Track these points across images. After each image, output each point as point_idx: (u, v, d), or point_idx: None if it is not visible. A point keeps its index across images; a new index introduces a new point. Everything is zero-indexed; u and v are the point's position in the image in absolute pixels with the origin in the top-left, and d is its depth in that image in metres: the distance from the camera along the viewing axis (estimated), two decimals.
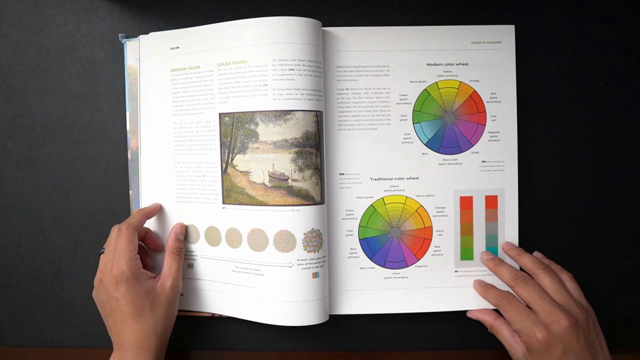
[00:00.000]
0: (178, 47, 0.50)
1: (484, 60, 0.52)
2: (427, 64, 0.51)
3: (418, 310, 0.52)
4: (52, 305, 0.54)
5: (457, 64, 0.52)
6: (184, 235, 0.51)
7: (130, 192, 0.53)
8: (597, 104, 0.53)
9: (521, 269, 0.50)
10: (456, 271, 0.52)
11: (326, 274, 0.50)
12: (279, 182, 0.47)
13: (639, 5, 0.53)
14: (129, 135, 0.52)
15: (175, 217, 0.51)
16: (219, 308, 0.51)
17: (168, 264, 0.48)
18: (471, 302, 0.52)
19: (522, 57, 0.52)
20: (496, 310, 0.49)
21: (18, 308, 0.54)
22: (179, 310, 0.49)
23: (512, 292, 0.47)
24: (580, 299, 0.46)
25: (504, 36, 0.52)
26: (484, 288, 0.50)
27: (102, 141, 0.53)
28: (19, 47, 0.53)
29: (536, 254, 0.51)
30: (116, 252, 0.46)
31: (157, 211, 0.51)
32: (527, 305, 0.45)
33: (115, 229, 0.48)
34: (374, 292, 0.51)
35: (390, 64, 0.51)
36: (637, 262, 0.54)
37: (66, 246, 0.54)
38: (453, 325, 0.53)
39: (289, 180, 0.47)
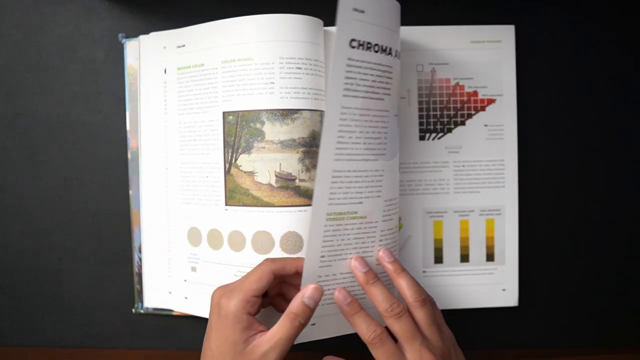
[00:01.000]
0: (184, 45, 0.50)
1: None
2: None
3: None
4: (52, 305, 0.54)
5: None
6: (317, 302, 0.40)
7: (130, 192, 0.53)
8: (597, 104, 0.54)
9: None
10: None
11: None
12: (286, 183, 0.47)
13: (638, 5, 0.53)
14: (129, 135, 0.52)
15: (177, 219, 0.51)
16: None
17: (276, 327, 0.40)
18: (472, 301, 0.52)
19: (522, 57, 0.52)
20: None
21: (18, 308, 0.54)
22: (179, 311, 0.49)
23: (382, 324, 0.42)
24: (443, 326, 0.45)
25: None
26: (351, 310, 0.42)
27: (102, 141, 0.53)
28: (19, 47, 0.53)
29: (384, 254, 0.44)
30: (239, 284, 0.41)
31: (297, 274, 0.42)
32: (396, 338, 0.42)
33: (263, 261, 0.42)
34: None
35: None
36: (637, 263, 0.54)
37: (66, 246, 0.54)
38: (453, 325, 0.53)
39: (297, 181, 0.47)
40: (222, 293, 0.41)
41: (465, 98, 0.52)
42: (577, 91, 0.53)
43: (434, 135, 0.52)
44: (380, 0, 0.40)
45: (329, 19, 0.49)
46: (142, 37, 0.52)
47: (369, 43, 0.40)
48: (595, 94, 0.54)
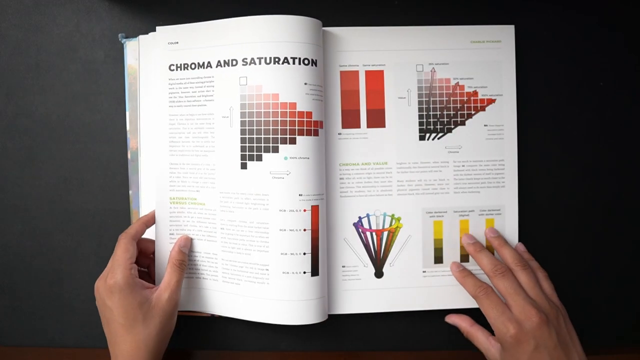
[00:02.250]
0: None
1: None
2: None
3: (416, 309, 0.52)
4: (52, 305, 0.54)
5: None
6: (189, 248, 0.50)
7: (130, 192, 0.53)
8: (597, 104, 0.53)
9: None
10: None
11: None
12: None
13: (638, 5, 0.53)
14: (128, 135, 0.52)
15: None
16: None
17: (168, 275, 0.47)
18: (471, 301, 0.52)
19: (522, 57, 0.52)
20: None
21: (18, 308, 0.54)
22: (179, 310, 0.49)
23: (490, 284, 0.48)
24: (553, 297, 0.47)
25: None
26: (461, 274, 0.50)
27: (102, 141, 0.53)
28: (19, 47, 0.53)
29: (519, 246, 0.51)
30: (113, 262, 0.46)
31: (153, 222, 0.50)
32: (503, 298, 0.46)
33: (120, 235, 0.47)
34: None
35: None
36: (638, 262, 0.54)
37: (66, 246, 0.54)
38: (453, 325, 0.53)
39: None
40: (104, 279, 0.45)
41: (465, 98, 0.52)
42: (577, 91, 0.53)
43: (433, 135, 0.52)
44: (194, 28, 0.49)
45: (328, 20, 0.50)
46: (142, 37, 0.52)
47: (185, 64, 0.49)
48: (595, 93, 0.54)
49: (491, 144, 0.52)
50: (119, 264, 0.45)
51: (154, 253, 0.51)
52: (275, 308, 0.48)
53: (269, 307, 0.48)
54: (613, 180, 0.54)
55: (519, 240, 0.52)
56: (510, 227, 0.52)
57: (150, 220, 0.50)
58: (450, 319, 0.51)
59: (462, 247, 0.52)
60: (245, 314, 0.49)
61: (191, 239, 0.50)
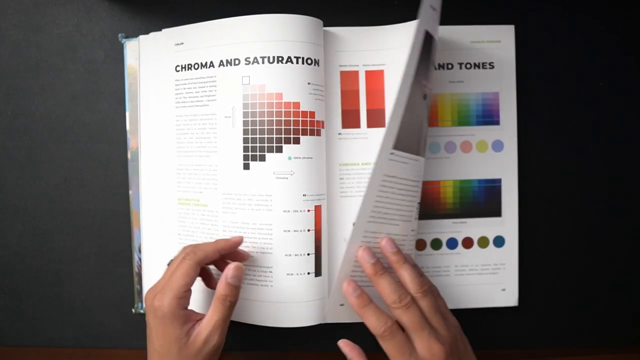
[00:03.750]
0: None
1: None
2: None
3: None
4: (52, 305, 0.54)
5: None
6: (240, 279, 0.43)
7: (130, 192, 0.53)
8: (597, 103, 0.54)
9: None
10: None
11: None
12: None
13: (638, 5, 0.53)
14: (128, 135, 0.52)
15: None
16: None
17: (210, 311, 0.42)
18: (472, 301, 0.52)
19: (522, 57, 0.52)
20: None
21: (18, 308, 0.54)
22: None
23: (392, 315, 0.42)
24: (448, 315, 0.45)
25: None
26: (359, 303, 0.42)
27: (102, 141, 0.53)
28: (19, 47, 0.53)
29: (386, 244, 0.44)
30: (168, 282, 0.42)
31: (238, 246, 0.46)
32: (406, 330, 0.42)
33: (183, 252, 0.43)
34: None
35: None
36: (637, 262, 0.54)
37: (66, 246, 0.54)
38: None
39: None
40: (154, 295, 0.42)
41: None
42: (577, 91, 0.53)
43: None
44: (197, 28, 0.49)
45: (327, 19, 0.49)
46: (142, 37, 0.52)
47: (189, 64, 0.50)
48: (595, 93, 0.54)
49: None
50: (171, 288, 0.41)
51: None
52: (279, 310, 0.47)
53: (273, 310, 0.48)
54: (613, 180, 0.54)
55: (519, 240, 0.52)
56: (510, 224, 0.52)
57: (225, 248, 0.45)
58: (342, 347, 0.45)
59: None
60: (248, 318, 0.49)
61: (243, 268, 0.44)
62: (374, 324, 0.41)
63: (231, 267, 0.43)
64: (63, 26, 0.53)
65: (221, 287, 0.42)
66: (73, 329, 0.54)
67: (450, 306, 0.51)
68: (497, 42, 0.52)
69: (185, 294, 0.42)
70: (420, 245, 0.52)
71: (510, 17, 0.52)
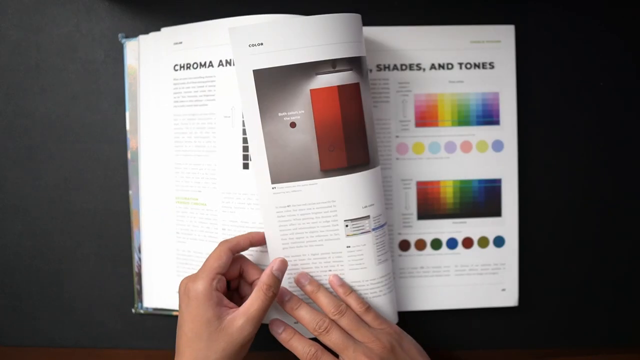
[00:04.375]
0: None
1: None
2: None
3: (414, 309, 0.52)
4: (52, 305, 0.54)
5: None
6: (283, 272, 0.44)
7: (130, 192, 0.53)
8: (597, 103, 0.54)
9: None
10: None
11: None
12: None
13: (638, 5, 0.53)
14: (128, 135, 0.52)
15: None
16: None
17: (250, 300, 0.42)
18: (472, 301, 0.52)
19: (522, 57, 0.52)
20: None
21: (18, 308, 0.54)
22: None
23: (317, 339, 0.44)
24: (382, 325, 0.45)
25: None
26: (286, 336, 0.44)
27: (102, 141, 0.53)
28: (19, 47, 0.53)
29: (333, 280, 0.46)
30: (202, 267, 0.43)
31: (261, 244, 0.46)
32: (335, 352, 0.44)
33: (222, 241, 0.45)
34: None
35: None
36: (638, 262, 0.54)
37: (66, 246, 0.54)
38: (453, 325, 0.53)
39: None
40: (187, 280, 0.42)
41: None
42: (577, 91, 0.53)
43: None
44: (196, 27, 0.48)
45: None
46: (141, 37, 0.52)
47: (188, 63, 0.49)
48: (595, 93, 0.54)
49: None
50: (204, 270, 0.42)
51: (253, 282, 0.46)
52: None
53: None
54: (613, 180, 0.54)
55: (519, 240, 0.52)
56: (510, 224, 0.52)
57: (257, 240, 0.46)
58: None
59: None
60: None
61: (287, 262, 0.45)
62: (300, 353, 0.43)
63: (277, 260, 0.44)
64: (63, 26, 0.53)
65: (265, 277, 0.43)
66: (73, 329, 0.54)
67: (451, 306, 0.52)
68: (497, 42, 0.52)
69: (219, 276, 0.42)
70: (420, 245, 0.52)
71: (510, 17, 0.52)
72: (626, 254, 0.54)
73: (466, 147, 0.52)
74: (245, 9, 0.48)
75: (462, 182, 0.52)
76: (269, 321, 0.46)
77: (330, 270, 0.46)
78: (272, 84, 0.44)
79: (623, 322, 0.54)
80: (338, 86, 0.44)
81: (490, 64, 0.52)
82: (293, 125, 0.44)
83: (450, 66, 0.52)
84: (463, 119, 0.52)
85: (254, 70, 0.44)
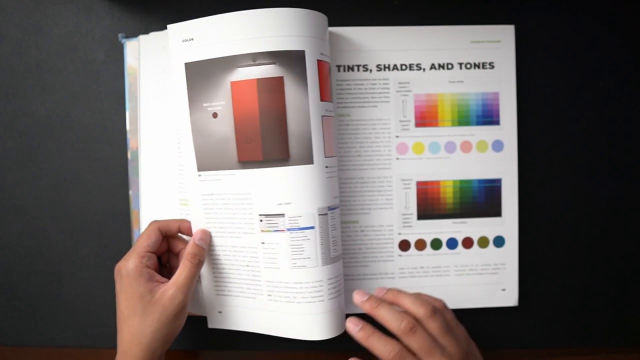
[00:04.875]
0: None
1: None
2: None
3: None
4: (52, 305, 0.54)
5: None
6: (207, 242, 0.46)
7: (130, 192, 0.53)
8: (597, 103, 0.54)
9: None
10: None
11: None
12: None
13: (638, 5, 0.53)
14: (128, 135, 0.52)
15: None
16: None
17: (179, 270, 0.44)
18: (472, 301, 0.52)
19: (522, 57, 0.52)
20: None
21: (18, 308, 0.54)
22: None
23: (400, 341, 0.42)
24: (457, 328, 0.44)
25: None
26: (364, 334, 0.42)
27: (102, 141, 0.53)
28: (19, 47, 0.53)
29: (359, 294, 0.45)
30: (133, 246, 0.45)
31: (189, 233, 0.48)
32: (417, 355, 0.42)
33: (152, 221, 0.47)
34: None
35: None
36: (637, 262, 0.54)
37: (66, 246, 0.54)
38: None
39: None
40: (120, 262, 0.44)
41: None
42: (577, 91, 0.53)
43: None
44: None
45: (330, 19, 0.49)
46: (142, 37, 0.52)
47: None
48: (595, 93, 0.54)
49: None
50: (134, 249, 0.44)
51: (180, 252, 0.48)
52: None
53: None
54: (613, 180, 0.54)
55: (519, 240, 0.52)
56: (510, 225, 0.52)
57: (185, 229, 0.48)
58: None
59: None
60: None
61: (210, 233, 0.47)
62: (382, 351, 0.41)
63: (199, 231, 0.47)
64: (63, 26, 0.53)
65: (189, 247, 0.45)
66: (73, 329, 0.54)
67: (451, 306, 0.51)
68: (497, 42, 0.52)
69: (149, 254, 0.44)
70: (420, 245, 0.52)
71: (510, 17, 0.53)
72: (626, 254, 0.54)
73: (466, 147, 0.52)
74: (244, 7, 0.48)
75: (462, 182, 0.52)
76: (346, 322, 0.44)
77: (247, 266, 0.47)
78: (200, 76, 0.45)
79: (623, 322, 0.54)
80: (257, 79, 0.44)
81: (490, 64, 0.52)
82: (215, 115, 0.45)
83: (450, 66, 0.52)
84: (463, 119, 0.52)
85: (185, 63, 0.45)
